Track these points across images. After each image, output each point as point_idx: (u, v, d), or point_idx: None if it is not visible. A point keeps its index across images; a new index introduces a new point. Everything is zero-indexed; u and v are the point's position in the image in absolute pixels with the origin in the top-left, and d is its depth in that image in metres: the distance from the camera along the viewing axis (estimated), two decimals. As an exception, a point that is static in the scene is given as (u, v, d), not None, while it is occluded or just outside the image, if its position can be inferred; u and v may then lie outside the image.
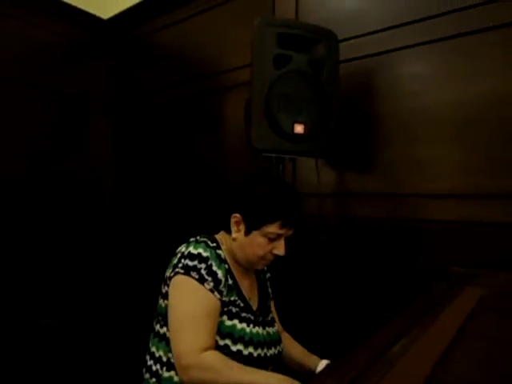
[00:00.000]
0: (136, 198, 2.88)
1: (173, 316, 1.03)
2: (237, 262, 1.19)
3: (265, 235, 1.12)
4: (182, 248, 1.12)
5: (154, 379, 1.12)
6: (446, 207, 1.63)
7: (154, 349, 1.14)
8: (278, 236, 1.13)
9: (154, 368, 1.13)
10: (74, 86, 2.71)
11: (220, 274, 1.07)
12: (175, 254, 1.12)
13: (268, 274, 1.37)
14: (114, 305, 2.71)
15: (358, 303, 1.77)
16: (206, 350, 0.98)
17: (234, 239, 1.16)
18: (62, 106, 2.67)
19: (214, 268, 1.06)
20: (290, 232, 1.17)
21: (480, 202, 1.52)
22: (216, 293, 1.05)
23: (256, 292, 1.26)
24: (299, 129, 1.45)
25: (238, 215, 1.16)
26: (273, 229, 1.12)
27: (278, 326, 1.30)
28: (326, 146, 1.52)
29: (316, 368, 1.22)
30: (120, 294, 2.77)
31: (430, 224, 1.67)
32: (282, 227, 1.12)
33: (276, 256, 1.16)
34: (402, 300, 1.15)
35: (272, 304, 1.35)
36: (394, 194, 1.77)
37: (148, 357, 1.16)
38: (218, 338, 1.05)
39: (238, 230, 1.15)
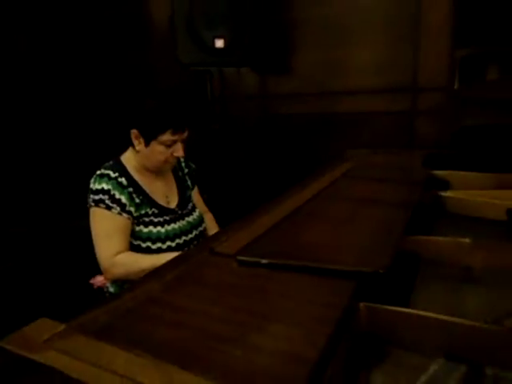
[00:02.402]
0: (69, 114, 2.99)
1: (93, 237, 1.34)
2: (148, 170, 1.43)
3: (162, 143, 1.33)
4: (91, 183, 1.36)
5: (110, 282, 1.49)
6: (355, 101, 1.99)
7: None
8: (174, 141, 1.34)
9: None
10: None
11: (123, 198, 1.33)
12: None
13: (186, 170, 1.62)
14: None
15: (274, 185, 2.20)
16: (118, 253, 1.29)
17: (138, 151, 1.38)
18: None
19: (117, 196, 1.32)
20: (185, 135, 1.38)
21: (386, 95, 1.89)
22: (124, 214, 1.32)
23: (175, 189, 1.53)
24: (219, 43, 1.66)
25: (135, 130, 1.35)
26: (166, 137, 1.31)
27: (200, 209, 1.62)
28: (245, 56, 1.76)
29: None
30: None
31: (342, 116, 2.04)
32: (173, 134, 1.33)
33: (178, 157, 1.40)
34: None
35: (194, 192, 1.63)
36: (312, 93, 2.09)
37: None
38: (140, 243, 1.38)
39: (139, 143, 1.36)
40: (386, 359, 0.63)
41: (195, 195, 1.66)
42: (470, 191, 1.24)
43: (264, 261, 0.68)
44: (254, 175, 2.25)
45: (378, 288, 0.69)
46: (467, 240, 0.86)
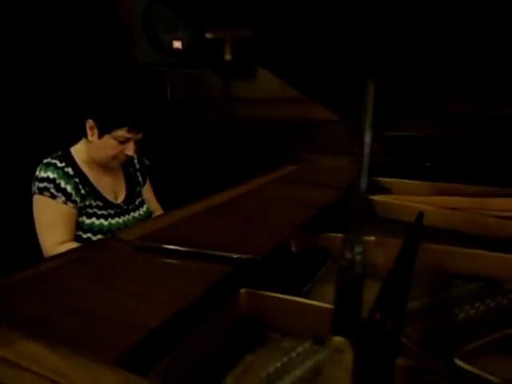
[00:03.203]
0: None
1: (36, 225, 1.35)
2: (97, 164, 1.45)
3: (115, 138, 1.36)
4: (36, 171, 1.37)
5: None
6: (315, 108, 2.04)
7: None
8: (128, 139, 1.37)
9: None
10: None
11: (69, 188, 1.35)
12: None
13: (138, 166, 1.64)
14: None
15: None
16: (63, 243, 1.29)
17: (90, 142, 1.41)
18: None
19: (63, 185, 1.34)
20: (139, 136, 1.41)
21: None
22: (69, 203, 1.33)
23: (123, 184, 1.56)
24: (177, 44, 1.70)
25: (91, 121, 1.38)
26: (121, 133, 1.34)
27: (151, 205, 1.65)
28: (202, 59, 1.80)
29: None
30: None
31: (303, 121, 2.09)
32: (129, 131, 1.36)
33: (128, 156, 1.42)
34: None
35: (145, 188, 1.66)
36: (274, 98, 2.14)
37: None
38: (81, 233, 1.40)
39: (93, 134, 1.39)
40: (264, 344, 0.66)
41: (147, 191, 1.68)
42: (400, 196, 1.29)
43: (156, 246, 0.71)
44: (208, 177, 2.28)
45: (269, 277, 0.72)
46: (372, 238, 0.89)
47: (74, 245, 1.32)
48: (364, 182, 0.33)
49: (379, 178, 1.55)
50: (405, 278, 0.63)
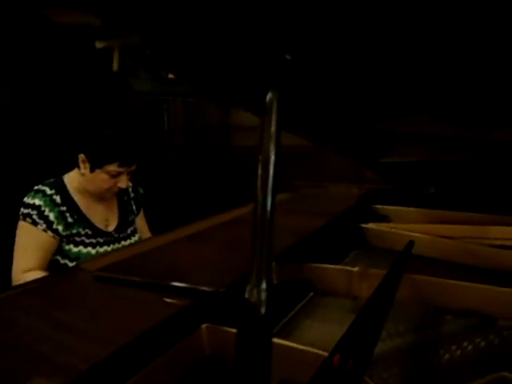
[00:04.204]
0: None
1: (14, 250, 1.33)
2: (89, 193, 1.42)
3: (107, 172, 1.34)
4: (25, 197, 1.37)
5: None
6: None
7: None
8: (120, 173, 1.36)
9: None
10: None
11: (52, 216, 1.33)
12: None
13: (133, 195, 1.61)
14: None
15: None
16: (30, 270, 1.28)
17: (82, 174, 1.39)
18: None
19: (46, 213, 1.33)
20: (132, 168, 1.39)
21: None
22: (49, 231, 1.32)
23: (116, 212, 1.52)
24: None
25: (82, 155, 1.37)
26: (112, 167, 1.32)
27: (143, 235, 1.61)
28: (196, 88, 1.81)
29: None
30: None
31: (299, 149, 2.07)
32: (120, 166, 1.34)
33: (121, 188, 1.40)
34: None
35: (139, 218, 1.62)
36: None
37: None
38: (67, 262, 1.36)
39: (85, 168, 1.37)
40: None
41: (140, 220, 1.65)
42: (396, 224, 1.23)
43: (116, 277, 0.67)
44: (206, 205, 2.25)
45: (232, 310, 0.67)
46: (356, 268, 0.83)
47: (39, 273, 1.28)
48: (270, 205, 0.28)
49: (377, 206, 1.50)
50: (379, 314, 0.57)
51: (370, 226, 1.19)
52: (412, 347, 0.62)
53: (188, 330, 0.58)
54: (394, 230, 1.14)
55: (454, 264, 0.99)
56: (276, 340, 0.60)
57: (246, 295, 0.26)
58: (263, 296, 0.26)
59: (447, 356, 0.58)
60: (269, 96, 0.31)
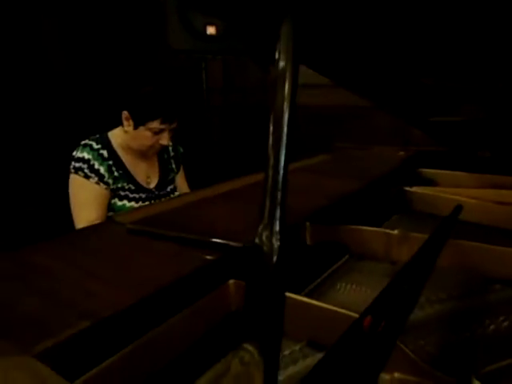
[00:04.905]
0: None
1: (71, 204, 1.38)
2: (132, 149, 1.46)
3: (149, 129, 1.38)
4: (74, 151, 1.41)
5: None
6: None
7: None
8: (162, 130, 1.39)
9: None
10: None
11: (102, 169, 1.37)
12: None
13: (173, 153, 1.63)
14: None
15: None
16: (95, 220, 1.29)
17: (125, 132, 1.43)
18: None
19: (96, 166, 1.37)
20: (173, 125, 1.42)
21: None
22: (102, 184, 1.35)
23: (157, 171, 1.56)
24: (211, 29, 1.66)
25: (126, 112, 1.40)
26: (155, 124, 1.36)
27: (184, 192, 1.61)
28: (237, 45, 1.74)
29: None
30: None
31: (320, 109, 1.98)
32: (162, 123, 1.37)
33: (163, 145, 1.43)
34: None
35: (178, 176, 1.64)
36: (320, 84, 2.03)
37: None
38: (112, 214, 1.36)
39: (129, 125, 1.41)
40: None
41: (180, 179, 1.68)
42: (444, 188, 1.15)
43: (148, 230, 0.67)
44: (244, 165, 2.23)
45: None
46: (396, 231, 0.79)
47: None
48: (283, 162, 0.25)
49: (424, 170, 1.40)
50: (418, 279, 0.53)
51: (415, 189, 1.12)
52: (454, 315, 0.58)
53: (215, 284, 0.57)
54: (440, 194, 1.07)
55: (506, 231, 0.91)
56: (305, 299, 0.58)
57: (257, 240, 0.23)
58: (275, 244, 0.23)
59: (493, 327, 0.54)
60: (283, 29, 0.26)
